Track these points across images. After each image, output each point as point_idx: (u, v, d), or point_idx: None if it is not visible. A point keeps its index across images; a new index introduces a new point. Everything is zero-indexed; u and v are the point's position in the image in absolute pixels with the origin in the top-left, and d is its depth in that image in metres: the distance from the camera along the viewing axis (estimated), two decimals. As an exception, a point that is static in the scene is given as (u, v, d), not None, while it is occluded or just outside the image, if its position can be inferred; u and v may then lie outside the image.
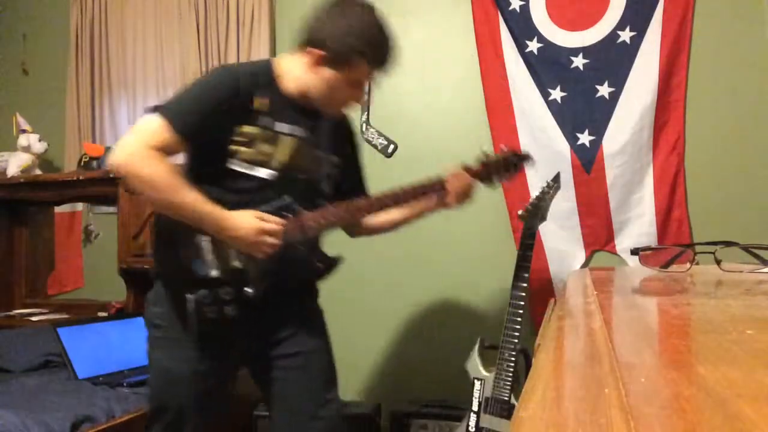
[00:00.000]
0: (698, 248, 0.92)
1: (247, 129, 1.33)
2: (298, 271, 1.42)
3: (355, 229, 1.64)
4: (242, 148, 1.33)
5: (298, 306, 1.50)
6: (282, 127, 1.37)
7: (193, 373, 1.38)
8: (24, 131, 2.93)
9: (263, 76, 1.38)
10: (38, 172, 2.97)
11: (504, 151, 1.59)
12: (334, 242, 2.66)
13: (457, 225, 2.45)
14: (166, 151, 1.28)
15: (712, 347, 0.40)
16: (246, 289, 1.34)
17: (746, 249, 0.89)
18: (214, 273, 1.33)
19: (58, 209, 3.13)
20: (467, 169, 1.53)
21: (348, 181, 1.57)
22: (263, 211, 1.33)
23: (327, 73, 1.36)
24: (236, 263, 1.34)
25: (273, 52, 2.75)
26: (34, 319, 2.81)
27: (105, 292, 2.92)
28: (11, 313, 2.99)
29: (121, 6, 3.04)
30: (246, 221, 1.30)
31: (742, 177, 2.12)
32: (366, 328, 2.55)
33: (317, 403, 1.47)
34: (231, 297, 1.33)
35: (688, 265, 0.91)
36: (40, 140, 2.96)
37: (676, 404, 0.27)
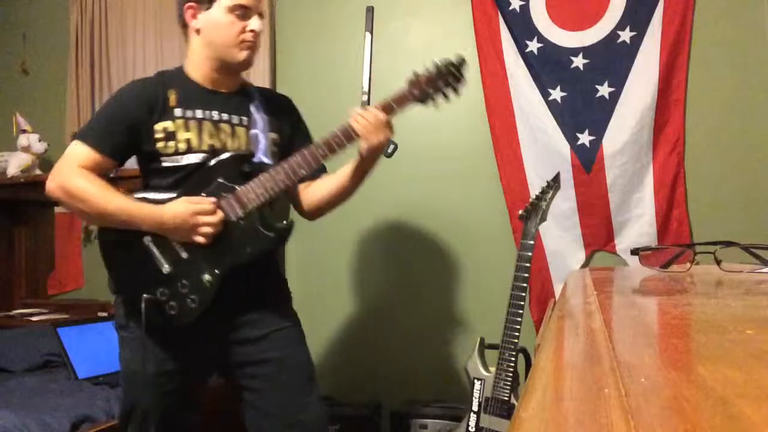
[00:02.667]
0: (698, 248, 0.92)
1: (165, 124, 1.39)
2: (247, 245, 1.38)
3: (303, 208, 1.59)
4: (167, 143, 1.39)
5: (260, 295, 1.47)
6: (197, 113, 1.42)
7: (160, 374, 1.40)
8: (24, 131, 2.93)
9: (173, 73, 1.48)
10: (38, 172, 2.97)
11: (436, 63, 1.46)
12: (334, 242, 2.68)
13: (458, 225, 2.45)
14: (94, 170, 1.36)
15: (712, 347, 0.40)
16: (204, 277, 1.35)
17: (746, 249, 0.89)
18: (166, 269, 1.36)
19: (58, 209, 3.12)
20: (379, 105, 1.42)
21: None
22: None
23: (204, 19, 1.42)
24: (184, 255, 1.36)
25: (273, 52, 2.75)
26: (34, 319, 2.81)
27: (105, 292, 2.90)
28: (11, 313, 2.99)
29: (121, 6, 3.04)
30: (178, 208, 1.33)
31: (742, 177, 2.12)
32: (366, 328, 2.55)
33: (297, 408, 1.45)
34: (188, 288, 1.35)
35: (688, 265, 0.91)
36: (40, 140, 2.96)
37: (676, 404, 0.27)
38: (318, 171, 1.54)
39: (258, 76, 2.74)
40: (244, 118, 1.48)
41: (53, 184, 1.36)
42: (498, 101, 2.37)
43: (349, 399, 2.42)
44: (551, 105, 2.28)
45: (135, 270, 1.38)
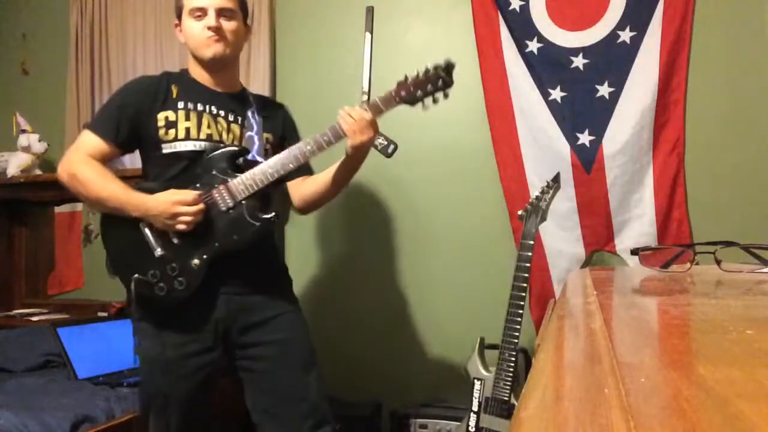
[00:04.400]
0: (698, 248, 0.92)
1: (166, 114, 1.50)
2: (234, 233, 1.47)
3: (295, 203, 1.69)
4: (168, 131, 1.50)
5: (259, 280, 1.55)
6: (197, 105, 1.53)
7: (179, 357, 1.49)
8: (24, 131, 2.93)
9: (177, 73, 1.61)
10: (38, 172, 2.97)
11: (425, 67, 1.53)
12: (334, 243, 2.68)
13: (458, 225, 2.45)
14: (100, 157, 1.49)
15: (712, 347, 0.40)
16: (192, 261, 1.45)
17: (746, 249, 0.89)
18: (158, 252, 1.45)
19: (58, 209, 3.13)
20: (365, 105, 1.50)
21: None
22: (192, 188, 1.46)
23: (183, 31, 1.57)
24: (175, 240, 1.46)
25: (273, 52, 2.75)
26: (34, 319, 2.81)
27: (105, 292, 2.91)
28: (11, 313, 2.99)
29: (121, 6, 3.04)
30: (160, 198, 1.43)
31: (742, 177, 2.12)
32: (366, 328, 2.55)
33: (299, 387, 1.54)
34: (177, 271, 1.45)
35: (688, 265, 0.91)
36: (40, 140, 2.96)
37: (676, 404, 0.27)
38: (306, 169, 1.65)
39: (258, 76, 2.74)
40: (240, 118, 1.59)
41: (61, 170, 1.50)
42: (498, 101, 2.37)
43: (349, 399, 2.42)
44: (551, 105, 2.28)
45: (130, 252, 1.47)
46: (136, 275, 1.44)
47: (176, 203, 1.41)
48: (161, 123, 1.50)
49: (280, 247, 1.81)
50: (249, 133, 1.58)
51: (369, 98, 2.58)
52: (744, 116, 2.13)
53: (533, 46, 2.30)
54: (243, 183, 1.47)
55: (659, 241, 2.16)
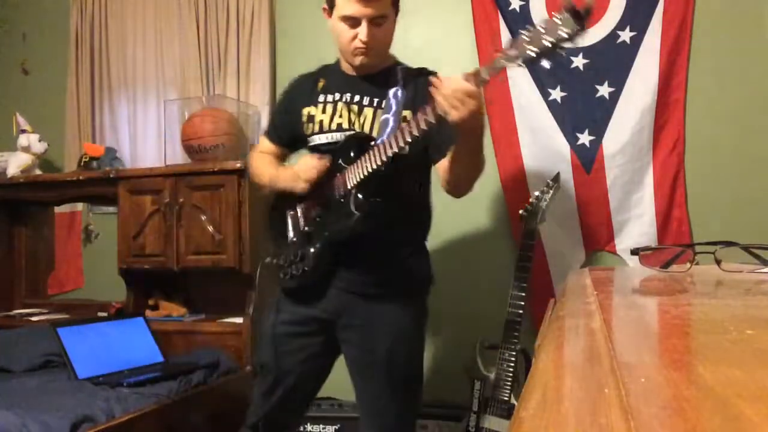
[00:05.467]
0: (698, 248, 0.92)
1: (308, 109, 1.59)
2: (339, 222, 1.45)
3: (444, 185, 1.55)
4: (308, 125, 1.58)
5: (364, 279, 1.52)
6: (335, 96, 1.57)
7: (287, 334, 1.57)
8: (24, 131, 2.93)
9: (329, 65, 1.67)
10: (38, 172, 2.96)
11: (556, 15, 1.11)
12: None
13: (458, 225, 2.45)
14: (271, 155, 1.68)
15: (712, 347, 0.40)
16: (310, 249, 1.51)
17: (746, 249, 0.89)
18: (290, 237, 1.57)
19: (58, 209, 3.13)
20: (465, 74, 1.23)
21: (435, 139, 1.46)
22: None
23: (331, 23, 1.52)
24: (306, 228, 1.54)
25: (273, 52, 2.75)
26: (34, 319, 2.81)
27: (105, 292, 2.92)
28: (11, 313, 2.99)
29: (121, 6, 3.04)
30: (299, 162, 1.53)
31: (742, 177, 2.12)
32: (366, 328, 2.54)
33: (378, 405, 1.56)
34: (299, 257, 1.52)
35: (688, 265, 0.91)
36: (40, 140, 2.95)
37: (676, 404, 0.27)
38: (437, 148, 1.48)
39: (258, 76, 2.74)
40: (377, 100, 1.53)
41: (248, 166, 1.76)
42: (498, 101, 2.37)
43: (349, 399, 2.41)
44: (551, 105, 2.28)
45: (278, 239, 1.60)
46: (267, 259, 1.60)
47: (306, 161, 1.50)
48: (304, 119, 1.59)
49: (423, 248, 1.72)
50: (385, 116, 1.49)
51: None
52: (744, 116, 2.13)
53: (533, 46, 2.30)
54: (354, 170, 1.42)
55: (659, 241, 2.16)
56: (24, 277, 3.19)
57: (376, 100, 1.53)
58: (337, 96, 1.56)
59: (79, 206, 3.11)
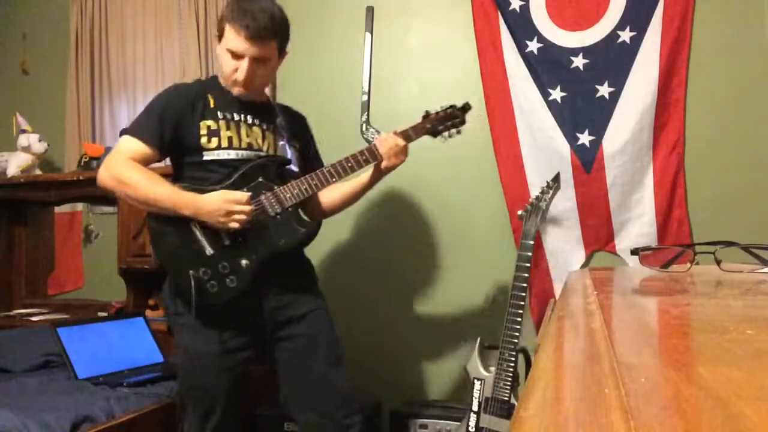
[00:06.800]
0: (698, 248, 0.92)
1: (208, 122, 1.57)
2: (282, 237, 1.57)
3: (316, 209, 1.80)
4: (211, 139, 1.57)
5: (290, 277, 1.64)
6: (234, 115, 1.61)
7: (224, 351, 1.56)
8: (24, 131, 2.93)
9: (209, 81, 1.68)
10: (38, 172, 2.97)
11: (444, 107, 1.74)
12: (334, 243, 2.66)
13: (458, 225, 2.45)
14: (142, 161, 1.53)
15: (712, 347, 0.40)
16: (242, 261, 1.54)
17: (746, 249, 0.89)
18: (209, 251, 1.53)
19: (58, 209, 3.13)
20: (396, 132, 1.68)
21: (309, 167, 1.73)
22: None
23: (218, 49, 1.60)
24: (227, 241, 1.54)
25: (273, 52, 2.75)
26: (34, 319, 2.81)
27: (105, 292, 2.92)
28: (11, 313, 2.99)
29: (121, 6, 3.04)
30: (214, 197, 1.50)
31: (742, 177, 2.12)
32: (366, 327, 2.55)
33: (329, 379, 1.64)
34: (228, 270, 1.53)
35: (688, 265, 0.91)
36: (40, 140, 2.96)
37: (676, 404, 0.27)
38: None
39: (258, 76, 2.74)
40: (271, 125, 1.68)
41: (105, 174, 1.52)
42: (498, 101, 2.37)
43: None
44: (551, 105, 2.28)
45: (180, 249, 1.54)
46: (192, 271, 1.51)
47: (230, 201, 1.49)
48: (203, 131, 1.57)
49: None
50: (281, 142, 1.69)
51: (369, 98, 2.60)
52: (744, 116, 2.13)
53: (533, 46, 2.30)
54: (290, 191, 1.57)
55: (659, 241, 2.16)
56: (24, 277, 3.19)
57: (266, 124, 1.67)
58: (236, 115, 1.61)
59: (79, 206, 3.11)
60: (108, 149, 2.90)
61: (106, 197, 2.71)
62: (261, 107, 1.67)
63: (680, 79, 2.17)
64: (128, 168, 1.50)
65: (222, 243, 1.54)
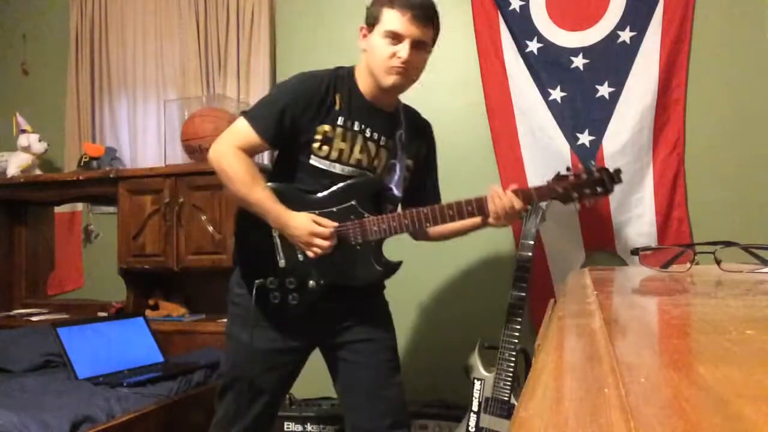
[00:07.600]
0: (698, 248, 0.92)
1: (325, 128, 1.48)
2: (356, 271, 1.51)
3: (419, 234, 1.72)
4: (323, 146, 1.48)
5: (362, 302, 1.59)
6: (355, 125, 1.51)
7: (271, 350, 1.54)
8: (24, 131, 2.93)
9: (345, 76, 1.54)
10: (38, 172, 2.97)
11: (591, 166, 1.47)
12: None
13: (457, 225, 2.45)
14: (249, 150, 1.48)
15: (712, 347, 0.40)
16: (309, 281, 1.49)
17: (746, 249, 0.89)
18: (282, 263, 1.50)
19: (58, 209, 3.13)
20: (515, 191, 1.47)
21: (420, 186, 1.68)
22: (329, 212, 1.48)
23: (370, 38, 1.49)
24: (300, 257, 1.49)
25: (273, 52, 2.75)
26: (34, 319, 2.81)
27: (105, 292, 2.92)
28: (11, 313, 2.99)
29: (121, 6, 3.04)
30: (301, 222, 1.44)
31: (742, 177, 2.12)
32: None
33: (383, 385, 1.60)
34: (294, 286, 1.50)
35: (688, 265, 0.91)
36: (40, 140, 2.96)
37: (676, 404, 0.27)
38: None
39: (258, 76, 2.74)
40: (390, 141, 1.57)
41: (214, 155, 1.48)
42: (498, 101, 2.37)
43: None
44: (551, 105, 2.28)
45: (258, 254, 1.52)
46: (258, 280, 1.49)
47: (313, 234, 1.43)
48: (318, 136, 1.48)
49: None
50: (392, 161, 1.58)
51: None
52: (744, 116, 2.13)
53: (533, 46, 2.30)
54: (377, 224, 1.48)
55: (659, 241, 2.16)
56: (24, 277, 3.19)
57: (384, 139, 1.55)
58: (357, 126, 1.51)
59: (79, 206, 3.11)
60: (108, 149, 2.90)
61: (107, 197, 2.72)
62: (386, 118, 1.56)
63: (680, 79, 2.17)
64: (234, 159, 1.45)
65: (296, 257, 1.50)
